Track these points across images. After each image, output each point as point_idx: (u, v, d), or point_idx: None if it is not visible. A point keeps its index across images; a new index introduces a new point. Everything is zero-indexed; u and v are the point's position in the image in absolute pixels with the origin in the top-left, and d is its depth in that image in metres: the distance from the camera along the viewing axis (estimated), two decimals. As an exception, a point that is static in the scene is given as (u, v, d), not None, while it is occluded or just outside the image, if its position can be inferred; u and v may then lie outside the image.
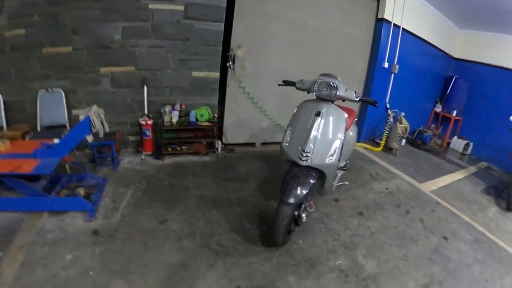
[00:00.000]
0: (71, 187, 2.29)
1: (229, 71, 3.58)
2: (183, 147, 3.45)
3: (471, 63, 5.64)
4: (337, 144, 2.18)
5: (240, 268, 1.97)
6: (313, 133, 2.12)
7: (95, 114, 2.12)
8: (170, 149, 3.34)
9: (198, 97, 3.49)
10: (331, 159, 2.16)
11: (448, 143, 6.07)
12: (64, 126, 2.81)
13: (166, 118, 3.17)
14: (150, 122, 3.10)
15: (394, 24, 4.39)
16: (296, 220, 2.18)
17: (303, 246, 2.31)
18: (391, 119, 4.90)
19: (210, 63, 3.36)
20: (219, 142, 3.63)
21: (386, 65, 4.67)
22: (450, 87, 5.60)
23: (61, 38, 2.73)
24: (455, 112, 5.62)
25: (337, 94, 2.17)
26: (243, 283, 1.86)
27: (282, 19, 3.65)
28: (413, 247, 2.58)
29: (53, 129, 2.85)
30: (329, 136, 2.17)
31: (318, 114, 2.15)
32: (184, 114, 3.35)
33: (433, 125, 6.13)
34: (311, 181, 2.07)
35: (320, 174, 2.22)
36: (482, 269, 2.43)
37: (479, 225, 3.14)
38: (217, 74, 3.48)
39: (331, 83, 2.16)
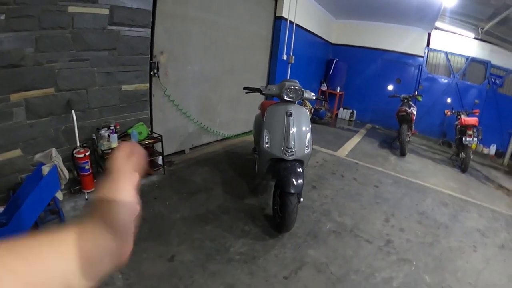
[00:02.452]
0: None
1: (154, 80, 3.54)
2: (126, 174, 3.22)
3: (346, 47, 7.56)
4: (308, 136, 2.78)
5: (273, 263, 2.29)
6: (291, 131, 2.65)
7: (59, 161, 1.80)
8: (114, 179, 3.06)
9: (130, 113, 3.30)
10: (307, 149, 2.75)
11: (336, 114, 7.91)
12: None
13: (106, 144, 2.89)
14: (88, 153, 2.75)
15: (289, 21, 5.37)
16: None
17: (297, 225, 2.81)
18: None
19: (139, 73, 3.22)
20: (162, 157, 3.57)
21: (284, 57, 5.66)
22: (332, 68, 7.30)
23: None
24: (338, 88, 7.39)
25: (304, 95, 2.76)
26: (285, 272, 2.21)
27: (199, 21, 3.87)
28: (362, 198, 3.54)
29: None
30: (302, 131, 2.74)
31: (290, 114, 2.68)
32: (120, 136, 3.13)
33: (323, 102, 7.79)
34: (301, 170, 2.60)
35: (301, 163, 2.75)
36: (409, 198, 3.67)
37: (390, 171, 4.53)
38: (147, 85, 3.38)
39: (299, 88, 2.73)
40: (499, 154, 6.44)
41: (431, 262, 2.56)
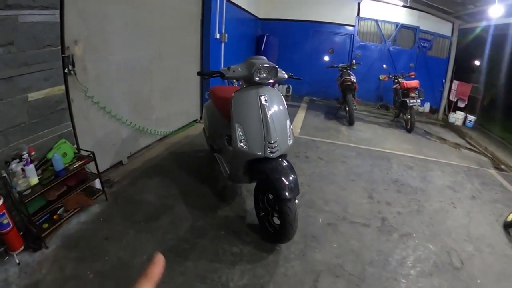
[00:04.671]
0: None
1: (70, 79, 2.73)
2: (58, 212, 2.46)
3: (276, 21, 7.37)
4: (288, 123, 2.42)
5: (286, 285, 2.00)
6: (270, 121, 2.23)
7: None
8: (46, 225, 2.29)
9: (46, 131, 2.46)
10: (290, 139, 2.39)
11: (273, 92, 7.89)
12: None
13: (22, 183, 2.10)
14: (1, 201, 1.93)
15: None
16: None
17: (290, 227, 2.58)
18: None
19: (49, 73, 2.39)
20: (99, 179, 2.86)
21: (217, 36, 5.18)
22: (263, 44, 7.08)
23: None
24: (272, 64, 7.26)
25: (278, 75, 2.39)
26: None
27: (117, -2, 3.11)
28: (337, 178, 3.53)
29: None
30: (281, 119, 2.35)
31: (264, 100, 2.28)
32: (38, 164, 2.34)
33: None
34: (290, 166, 2.26)
35: (284, 157, 2.39)
36: (378, 168, 3.82)
37: (348, 142, 4.69)
38: (62, 88, 2.55)
39: (271, 65, 2.30)
40: (433, 110, 7.54)
41: (427, 230, 2.70)
